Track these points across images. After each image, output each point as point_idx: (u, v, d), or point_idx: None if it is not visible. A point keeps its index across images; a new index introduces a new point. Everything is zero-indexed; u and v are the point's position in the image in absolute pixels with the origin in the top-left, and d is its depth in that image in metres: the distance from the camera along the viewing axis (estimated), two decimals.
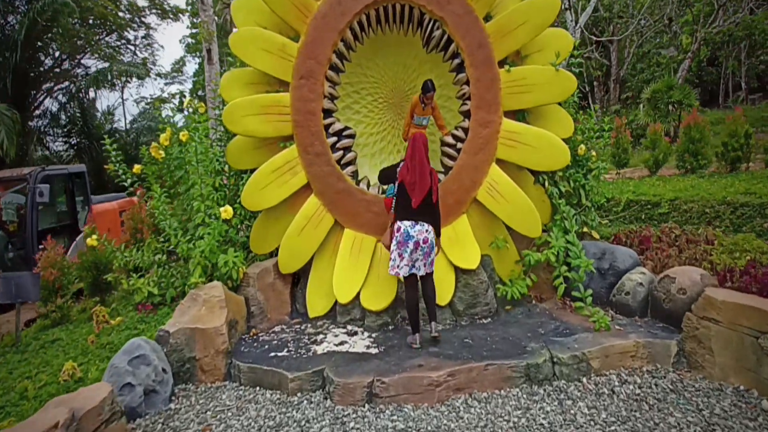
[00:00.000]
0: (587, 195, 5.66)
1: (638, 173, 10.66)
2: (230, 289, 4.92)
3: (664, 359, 4.01)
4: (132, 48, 20.51)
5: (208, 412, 3.67)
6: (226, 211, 4.74)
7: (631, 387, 3.65)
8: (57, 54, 16.21)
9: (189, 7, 22.79)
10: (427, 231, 4.19)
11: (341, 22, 4.99)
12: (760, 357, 3.43)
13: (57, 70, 16.97)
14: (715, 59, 27.74)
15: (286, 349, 4.36)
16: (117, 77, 16.56)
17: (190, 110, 5.23)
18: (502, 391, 3.73)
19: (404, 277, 4.27)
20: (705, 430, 3.08)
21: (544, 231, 5.17)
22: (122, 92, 21.90)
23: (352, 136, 5.46)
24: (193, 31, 26.16)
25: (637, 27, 20.26)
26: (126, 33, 19.33)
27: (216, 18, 10.61)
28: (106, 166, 5.38)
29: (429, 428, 3.29)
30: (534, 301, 5.20)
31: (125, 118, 21.61)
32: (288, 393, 3.86)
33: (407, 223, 4.18)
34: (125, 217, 6.31)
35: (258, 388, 4.02)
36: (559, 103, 5.27)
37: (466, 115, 5.18)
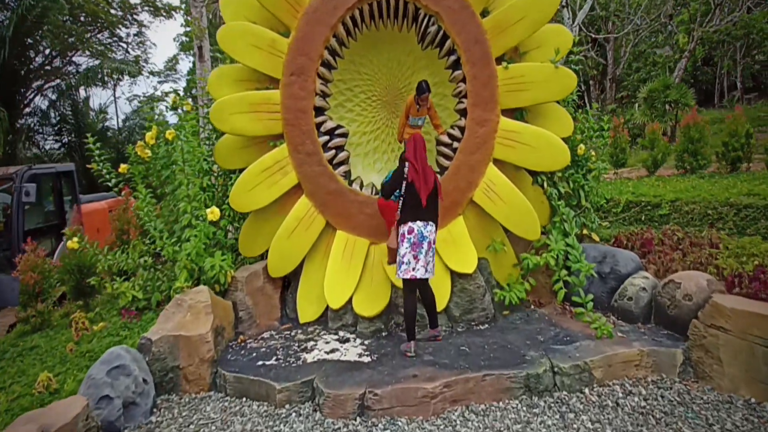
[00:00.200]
0: (587, 196, 5.50)
1: (635, 173, 10.54)
2: (218, 293, 4.73)
3: (670, 369, 3.85)
4: (124, 45, 20.24)
5: (191, 426, 3.48)
6: (213, 213, 4.55)
7: (636, 399, 3.49)
8: (47, 51, 15.93)
9: (183, 5, 22.53)
10: (434, 232, 4.12)
11: (333, 17, 4.81)
12: None
13: (48, 67, 16.70)
14: (710, 59, 27.69)
15: (274, 357, 4.17)
16: (108, 75, 16.29)
17: (177, 108, 5.03)
18: (501, 403, 3.56)
19: (405, 281, 4.10)
20: None
21: (542, 233, 5.00)
22: (114, 90, 21.62)
23: (344, 135, 5.28)
24: (187, 29, 25.91)
25: (634, 26, 20.12)
26: (118, 30, 19.04)
27: (209, 16, 10.39)
28: (89, 165, 5.16)
29: None
30: (532, 306, 5.03)
31: (117, 117, 21.34)
32: (276, 405, 3.67)
33: (419, 223, 4.05)
34: (110, 218, 6.09)
35: (244, 399, 3.83)
36: (558, 102, 5.11)
37: (463, 113, 5.01)
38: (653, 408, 3.36)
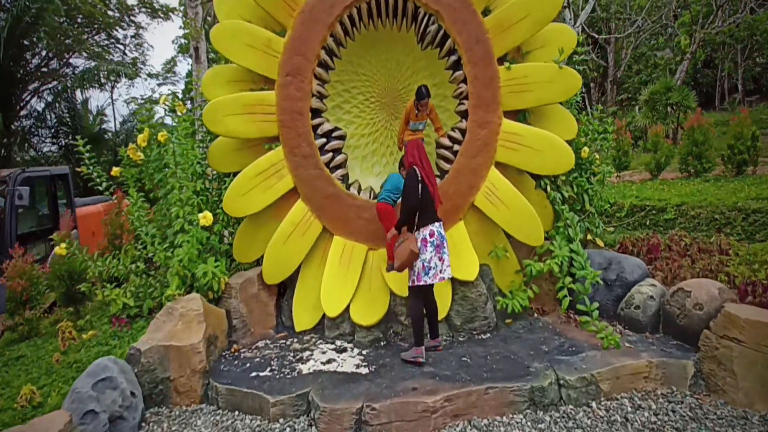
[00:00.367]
0: (591, 200, 5.36)
1: (637, 176, 10.39)
2: (211, 300, 4.58)
3: (680, 381, 3.70)
4: (121, 47, 20.10)
5: None
6: (205, 218, 4.40)
7: (646, 414, 3.33)
8: (44, 53, 15.79)
9: (181, 7, 22.41)
10: None
11: (330, 15, 4.67)
12: None
13: (44, 69, 16.56)
14: (711, 61, 27.60)
15: (269, 368, 4.01)
16: (105, 77, 16.14)
17: (167, 108, 4.88)
18: (505, 418, 3.40)
19: (419, 287, 3.96)
20: None
21: (546, 239, 4.85)
22: (112, 92, 21.46)
23: (342, 138, 5.13)
24: (186, 31, 25.77)
25: (635, 27, 19.98)
26: (115, 32, 18.91)
27: (204, 15, 10.26)
28: (78, 169, 5.02)
29: None
30: (536, 314, 4.88)
31: (115, 119, 21.18)
32: (269, 419, 3.51)
33: (436, 224, 4.01)
34: (102, 222, 5.94)
35: (237, 412, 3.67)
36: (561, 103, 4.97)
37: (464, 115, 4.87)
38: (664, 424, 3.21)
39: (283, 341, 4.58)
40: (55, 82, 16.83)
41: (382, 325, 4.46)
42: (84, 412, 3.21)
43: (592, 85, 25.79)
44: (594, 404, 3.51)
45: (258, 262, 4.96)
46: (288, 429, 3.40)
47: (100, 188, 5.22)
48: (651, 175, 9.80)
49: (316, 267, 4.79)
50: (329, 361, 4.09)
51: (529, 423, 3.33)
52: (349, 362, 4.06)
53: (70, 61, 17.25)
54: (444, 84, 5.15)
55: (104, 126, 19.66)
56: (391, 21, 5.04)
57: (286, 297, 4.95)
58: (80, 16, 16.11)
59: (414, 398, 3.38)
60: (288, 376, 3.86)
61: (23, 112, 15.68)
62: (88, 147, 5.11)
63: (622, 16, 21.44)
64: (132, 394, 3.48)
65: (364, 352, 4.25)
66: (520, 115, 4.89)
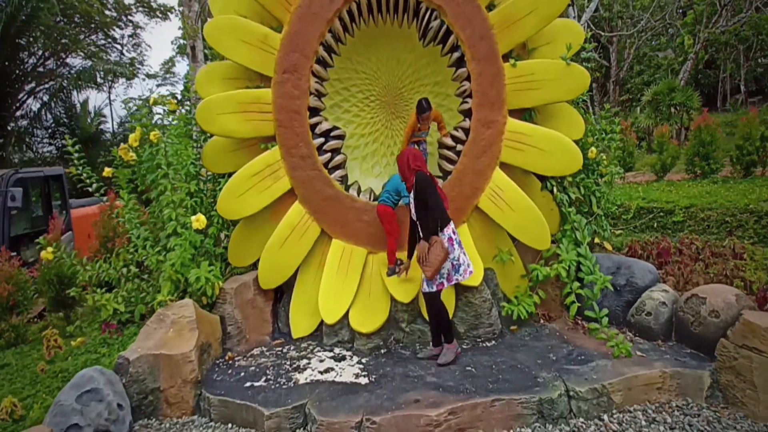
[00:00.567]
0: (598, 202, 5.18)
1: (641, 177, 10.22)
2: (205, 306, 4.41)
3: (696, 393, 3.52)
4: (119, 47, 19.92)
5: None
6: (198, 220, 4.22)
7: (661, 428, 3.15)
8: (40, 53, 15.62)
9: (180, 8, 22.22)
10: None
11: (329, 10, 4.51)
12: None
13: (41, 69, 16.39)
14: (713, 62, 27.43)
15: (264, 378, 3.83)
16: (102, 77, 15.98)
17: (165, 110, 4.71)
18: None
19: (438, 290, 3.86)
20: None
21: (552, 242, 4.67)
22: (109, 93, 21.30)
23: (341, 137, 4.96)
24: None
25: (640, 27, 19.78)
26: (112, 31, 18.72)
27: (203, 15, 10.09)
28: (66, 170, 4.84)
29: None
30: (542, 321, 4.70)
31: (113, 120, 21.01)
32: None
33: (453, 224, 3.92)
34: (93, 225, 5.77)
35: (230, 425, 3.49)
36: (569, 102, 4.80)
37: (467, 114, 4.71)
38: None
39: (280, 349, 4.40)
40: (51, 83, 16.66)
41: (383, 332, 4.28)
42: (67, 427, 3.03)
43: (594, 85, 25.63)
44: (606, 417, 3.34)
45: (254, 266, 4.79)
46: None
47: (90, 189, 5.03)
48: (656, 176, 9.62)
49: (314, 271, 4.62)
50: (327, 370, 3.91)
51: None
52: (348, 371, 3.89)
53: (67, 61, 17.08)
54: (446, 82, 4.98)
55: (102, 127, 19.50)
56: (391, 17, 4.88)
57: (283, 302, 4.78)
58: (77, 15, 15.94)
59: (416, 411, 3.20)
60: (284, 387, 3.68)
61: (19, 113, 15.51)
62: (77, 147, 4.93)
63: (624, 15, 21.27)
64: (119, 406, 3.30)
65: (363, 361, 4.07)
66: (525, 114, 4.72)
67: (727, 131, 12.38)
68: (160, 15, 19.72)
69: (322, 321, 4.41)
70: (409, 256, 4.25)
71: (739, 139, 8.13)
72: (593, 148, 5.04)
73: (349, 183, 4.97)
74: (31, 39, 14.35)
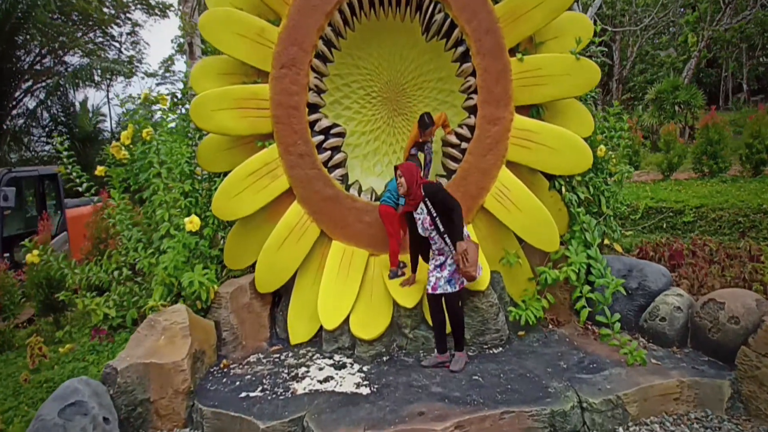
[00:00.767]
0: (608, 202, 5.00)
1: (645, 176, 10.03)
2: (199, 311, 4.23)
3: (715, 403, 3.34)
4: (117, 45, 19.72)
5: None
6: (192, 222, 4.04)
7: None
8: (37, 50, 15.43)
9: (180, 7, 22.01)
10: None
11: (328, 3, 4.33)
12: None
13: (38, 67, 16.19)
14: (715, 60, 27.22)
15: (260, 387, 3.64)
16: (100, 75, 15.77)
17: (148, 103, 4.53)
18: None
19: (460, 290, 3.77)
20: None
21: (560, 244, 4.49)
22: (108, 91, 21.09)
23: (341, 135, 4.78)
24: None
25: (646, 23, 19.54)
26: (110, 29, 18.51)
27: (201, 12, 9.91)
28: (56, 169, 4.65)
29: None
30: (550, 326, 4.52)
31: (111, 118, 20.80)
32: None
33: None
34: (86, 225, 5.59)
35: None
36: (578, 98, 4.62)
37: (472, 111, 4.53)
38: None
39: (277, 355, 4.22)
40: (49, 81, 16.47)
41: (385, 338, 4.10)
42: None
43: None
44: (621, 430, 3.16)
45: (251, 269, 4.60)
46: None
47: (80, 189, 4.85)
48: (662, 175, 9.43)
49: (313, 274, 4.44)
50: (327, 379, 3.73)
51: None
52: (348, 380, 3.70)
53: (65, 59, 16.88)
54: (450, 78, 4.80)
55: (101, 126, 19.29)
56: (393, 10, 4.70)
57: (281, 307, 4.59)
58: (74, 12, 15.74)
59: (421, 425, 3.02)
60: (281, 397, 3.49)
61: (16, 111, 15.32)
62: (66, 145, 4.74)
63: (627, 12, 21.08)
64: (105, 420, 3.11)
65: (365, 369, 3.88)
66: (533, 111, 4.54)
67: (733, 130, 12.19)
68: (158, 12, 19.53)
69: (321, 326, 4.23)
70: (413, 270, 4.11)
71: (748, 137, 7.95)
72: (602, 146, 4.86)
73: (349, 182, 4.79)
74: (28, 36, 14.15)
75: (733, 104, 26.08)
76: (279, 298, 4.67)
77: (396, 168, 3.82)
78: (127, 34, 20.14)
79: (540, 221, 4.30)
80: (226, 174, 4.41)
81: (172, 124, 5.23)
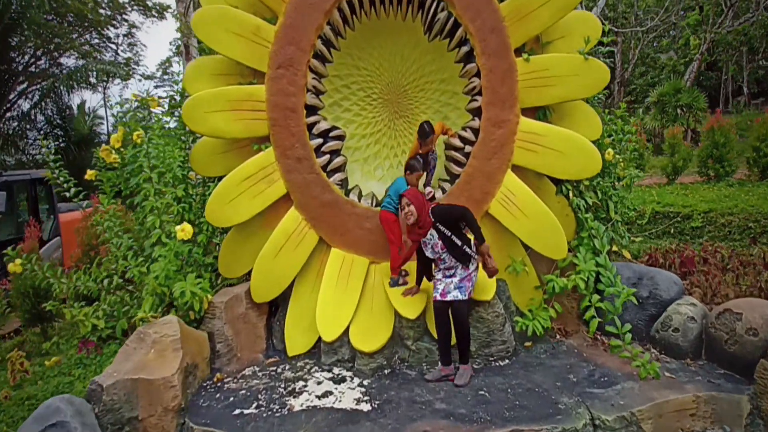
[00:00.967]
0: (616, 207, 4.83)
1: (649, 180, 9.88)
2: (192, 322, 4.05)
3: (734, 420, 3.18)
4: (113, 47, 19.53)
5: None
6: (184, 230, 3.86)
7: None
8: (32, 52, 15.25)
9: (177, 8, 21.84)
10: None
11: (327, 1, 4.16)
12: None
13: (33, 69, 16.01)
14: (715, 63, 27.18)
15: (255, 404, 3.47)
16: (96, 77, 15.57)
17: (136, 104, 4.36)
18: None
19: (469, 298, 3.67)
20: None
21: (568, 251, 4.32)
22: (104, 94, 20.90)
23: (340, 138, 4.61)
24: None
25: (650, 25, 19.43)
26: (106, 31, 18.33)
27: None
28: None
29: None
30: (558, 336, 4.35)
31: (107, 121, 20.61)
32: None
33: None
34: (75, 231, 5.40)
35: None
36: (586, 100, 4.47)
37: (476, 113, 4.37)
38: None
39: (274, 368, 4.04)
40: (44, 83, 16.30)
41: (386, 350, 3.92)
42: None
43: None
44: None
45: (246, 278, 4.43)
46: None
47: (68, 194, 4.67)
48: (667, 178, 9.28)
49: (312, 283, 4.27)
50: (325, 395, 3.55)
51: None
52: (348, 396, 3.52)
53: (60, 61, 16.69)
54: (454, 79, 4.64)
55: (98, 129, 19.09)
56: (395, 8, 4.53)
57: (278, 317, 4.41)
58: (70, 14, 15.56)
59: None
60: (277, 414, 3.31)
61: (10, 114, 15.14)
62: (55, 148, 4.59)
63: (629, 15, 20.99)
64: None
65: (365, 383, 3.70)
66: (539, 113, 4.38)
67: (736, 133, 12.06)
68: (156, 14, 19.36)
69: (320, 337, 4.05)
70: (417, 282, 3.98)
71: (754, 140, 7.80)
72: (610, 150, 4.71)
73: (349, 187, 4.62)
74: (23, 38, 13.97)
75: (734, 107, 26.03)
76: (276, 307, 4.49)
77: (401, 197, 3.68)
78: (124, 35, 19.97)
79: (547, 227, 4.14)
80: (220, 179, 4.24)
81: (172, 125, 5.05)
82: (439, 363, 3.74)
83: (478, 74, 4.29)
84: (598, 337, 4.22)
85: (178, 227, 3.87)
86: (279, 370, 3.99)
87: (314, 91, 4.37)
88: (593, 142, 4.35)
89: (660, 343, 3.95)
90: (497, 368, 3.84)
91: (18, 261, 3.97)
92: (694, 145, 11.57)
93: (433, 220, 3.61)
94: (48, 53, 15.75)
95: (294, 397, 3.54)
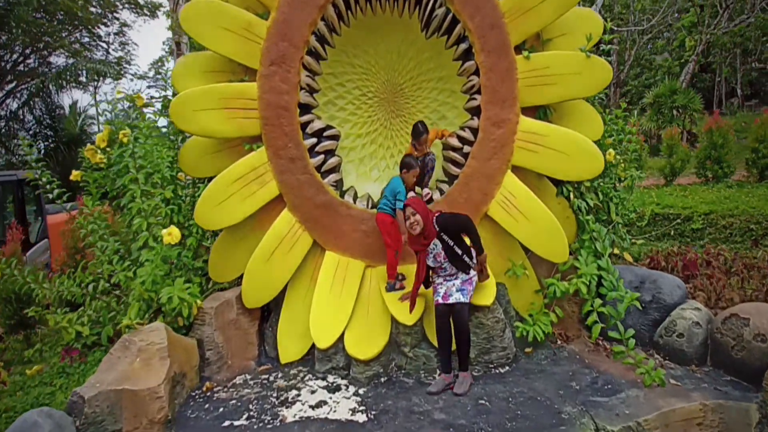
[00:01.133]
0: (617, 209, 4.73)
1: (646, 181, 9.81)
2: (180, 328, 3.90)
3: (742, 428, 3.09)
4: (104, 45, 19.27)
5: None
6: (171, 234, 3.70)
7: None
8: (20, 50, 14.99)
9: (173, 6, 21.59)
10: None
11: None
12: None
13: (21, 68, 15.75)
14: (709, 65, 27.29)
15: (246, 414, 3.32)
16: (87, 76, 15.35)
17: (125, 103, 4.21)
18: None
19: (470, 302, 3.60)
20: None
21: (569, 254, 4.20)
22: (95, 93, 20.62)
23: (335, 138, 4.47)
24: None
25: (647, 26, 19.43)
26: (97, 29, 18.07)
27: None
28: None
29: None
30: (559, 342, 4.23)
31: (98, 121, 20.30)
32: None
33: None
34: (61, 234, 5.23)
35: None
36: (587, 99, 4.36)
37: (475, 112, 4.25)
38: None
39: (266, 376, 3.89)
40: (33, 82, 16.04)
41: (383, 357, 3.78)
42: None
43: None
44: None
45: (238, 282, 4.28)
46: None
47: (51, 195, 4.50)
48: (665, 179, 9.22)
49: (305, 288, 4.13)
50: (319, 404, 3.41)
51: None
52: (343, 405, 3.38)
53: (50, 59, 16.43)
54: (452, 77, 4.51)
55: (89, 129, 18.81)
56: (391, 4, 4.40)
57: (270, 323, 4.26)
58: (59, 11, 15.31)
59: None
60: (268, 426, 3.17)
61: None
62: (34, 147, 4.40)
63: (624, 16, 21.00)
64: None
65: (361, 392, 3.56)
66: (540, 112, 4.27)
67: (750, 134, 12.03)
68: (147, 13, 19.12)
69: (313, 344, 3.91)
70: (416, 287, 3.82)
71: (753, 141, 7.75)
72: (611, 150, 4.61)
73: (344, 188, 4.48)
74: (11, 36, 13.72)
75: (727, 109, 26.12)
76: (268, 313, 4.35)
77: (405, 205, 3.58)
78: (115, 34, 19.71)
79: (548, 230, 4.02)
80: (210, 179, 4.10)
81: (164, 123, 4.91)
82: (438, 370, 3.62)
83: (476, 72, 4.17)
84: (600, 342, 4.10)
85: (164, 231, 3.71)
86: (271, 378, 3.84)
87: (308, 89, 4.24)
88: (594, 142, 4.25)
89: (664, 349, 3.84)
90: (497, 375, 3.72)
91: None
92: (690, 146, 11.55)
93: (437, 229, 3.49)
94: (37, 51, 15.49)
95: (287, 407, 3.39)
